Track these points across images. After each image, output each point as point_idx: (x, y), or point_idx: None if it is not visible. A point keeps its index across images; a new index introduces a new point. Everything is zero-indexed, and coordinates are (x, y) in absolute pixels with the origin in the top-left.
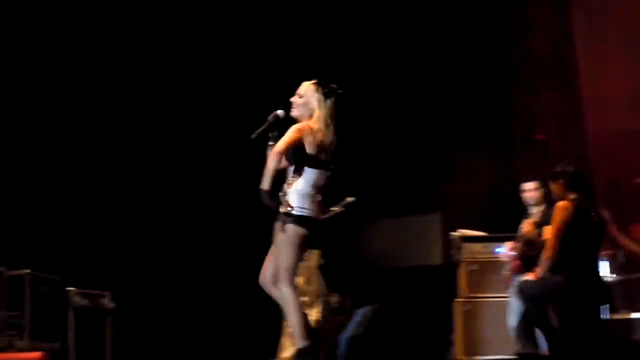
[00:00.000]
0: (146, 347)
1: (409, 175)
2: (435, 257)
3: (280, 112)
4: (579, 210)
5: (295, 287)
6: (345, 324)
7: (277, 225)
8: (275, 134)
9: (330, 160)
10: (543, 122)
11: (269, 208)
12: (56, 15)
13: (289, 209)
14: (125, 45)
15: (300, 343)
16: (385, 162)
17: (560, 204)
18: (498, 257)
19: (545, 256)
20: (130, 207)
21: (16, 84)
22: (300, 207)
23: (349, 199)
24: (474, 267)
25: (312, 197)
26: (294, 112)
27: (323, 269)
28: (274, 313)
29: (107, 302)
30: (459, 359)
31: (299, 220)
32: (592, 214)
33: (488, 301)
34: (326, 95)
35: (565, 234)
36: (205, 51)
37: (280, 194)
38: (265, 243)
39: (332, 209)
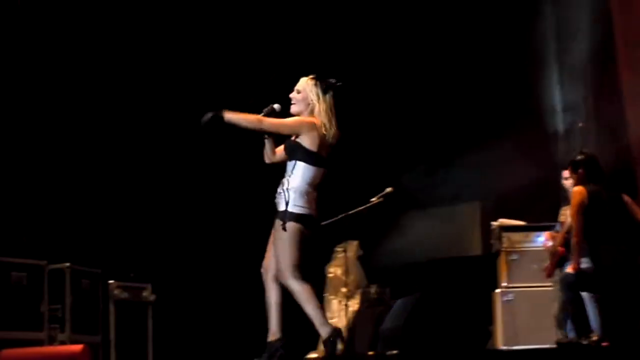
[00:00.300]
0: (187, 339)
1: (448, 165)
2: (475, 248)
3: (276, 105)
4: (594, 196)
5: (303, 280)
6: (385, 315)
7: (276, 222)
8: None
9: (329, 156)
10: (584, 110)
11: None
12: (55, 14)
13: (286, 207)
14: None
15: (324, 332)
16: (424, 152)
17: (576, 188)
18: (538, 247)
19: (573, 242)
20: (171, 199)
21: (51, 79)
22: (299, 205)
23: (388, 190)
24: (514, 256)
25: (309, 195)
26: (294, 109)
27: (362, 259)
28: None
29: (147, 294)
30: (499, 349)
31: (297, 218)
32: (609, 199)
33: (528, 291)
34: (325, 89)
35: (587, 220)
36: (210, 49)
37: (279, 189)
38: None
39: (371, 200)
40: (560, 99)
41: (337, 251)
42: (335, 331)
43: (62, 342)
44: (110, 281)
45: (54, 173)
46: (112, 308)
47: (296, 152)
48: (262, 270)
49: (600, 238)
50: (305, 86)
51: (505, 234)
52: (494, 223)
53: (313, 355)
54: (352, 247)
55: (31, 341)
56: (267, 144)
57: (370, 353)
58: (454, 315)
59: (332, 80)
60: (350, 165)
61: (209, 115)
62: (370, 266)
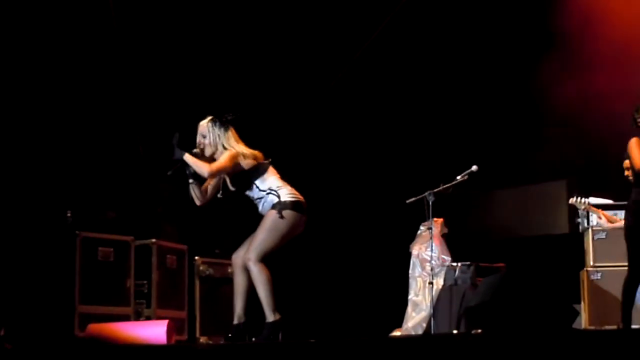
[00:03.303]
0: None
1: (535, 142)
2: (562, 226)
3: (195, 151)
4: None
5: (263, 264)
6: (469, 294)
7: (269, 212)
8: (192, 171)
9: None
10: None
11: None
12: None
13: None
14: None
15: (272, 317)
16: (511, 130)
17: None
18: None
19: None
20: None
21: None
22: (290, 194)
23: (474, 168)
24: (602, 235)
25: (289, 186)
26: (206, 152)
27: (447, 237)
28: (400, 287)
29: (232, 270)
30: (587, 329)
31: (292, 205)
32: None
33: (616, 270)
34: (224, 125)
35: None
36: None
37: (261, 200)
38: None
39: (456, 177)
40: None
41: (422, 229)
42: (281, 321)
43: (148, 317)
44: (196, 257)
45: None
46: (197, 284)
47: (247, 177)
48: (234, 257)
49: None
50: (206, 130)
51: (592, 213)
52: (581, 200)
53: (397, 332)
54: (437, 224)
55: (117, 316)
56: (195, 189)
57: (455, 332)
58: (540, 294)
59: (229, 116)
60: (435, 144)
61: (175, 155)
62: (456, 244)
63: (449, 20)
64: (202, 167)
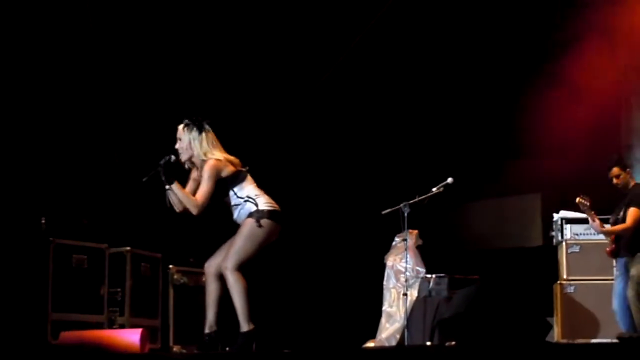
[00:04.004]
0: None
1: (508, 156)
2: (536, 238)
3: (172, 157)
4: None
5: (240, 273)
6: (443, 305)
7: (246, 220)
8: (168, 177)
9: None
10: None
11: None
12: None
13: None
14: None
15: (247, 327)
16: (485, 144)
17: None
18: (600, 239)
19: None
20: None
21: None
22: (267, 203)
23: (449, 180)
24: (575, 248)
25: (265, 195)
26: (183, 157)
27: (421, 249)
28: (374, 298)
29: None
30: (560, 343)
31: (269, 214)
32: None
33: (589, 283)
34: (200, 129)
35: None
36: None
37: (237, 207)
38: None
39: (431, 189)
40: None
41: (397, 240)
42: (255, 330)
43: (121, 325)
44: (170, 266)
45: (117, 156)
46: (171, 292)
47: (224, 184)
48: (206, 265)
49: None
50: (182, 134)
51: (567, 226)
52: (556, 215)
53: (370, 343)
54: (412, 236)
55: (90, 324)
56: (172, 196)
57: (428, 343)
58: (514, 307)
59: (202, 119)
60: (411, 155)
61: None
62: (430, 256)
63: (424, 33)
64: (190, 202)
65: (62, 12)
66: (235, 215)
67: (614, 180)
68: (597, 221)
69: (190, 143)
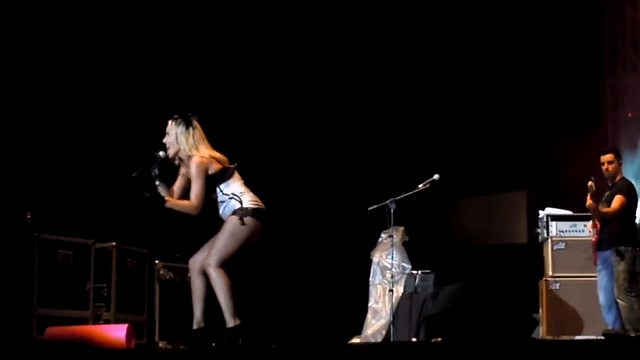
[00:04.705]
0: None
1: (496, 153)
2: (521, 235)
3: (161, 153)
4: None
5: (223, 269)
6: (429, 302)
7: (230, 218)
8: (157, 172)
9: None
10: (632, 101)
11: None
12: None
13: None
14: None
15: (232, 322)
16: (472, 140)
17: None
18: (585, 236)
19: None
20: None
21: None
22: (252, 201)
23: (435, 176)
24: (561, 245)
25: (250, 192)
26: (170, 151)
27: (407, 245)
28: (360, 294)
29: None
30: (546, 338)
31: (253, 212)
32: None
33: (575, 280)
34: (187, 124)
35: None
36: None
37: (223, 204)
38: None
39: (418, 186)
40: (607, 89)
41: (383, 237)
42: (241, 326)
43: (107, 321)
44: (156, 261)
45: (104, 153)
46: (157, 288)
47: (213, 182)
48: (191, 261)
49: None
50: (170, 129)
51: (552, 223)
52: (542, 212)
53: (356, 340)
54: (398, 232)
55: (76, 319)
56: (163, 190)
57: (414, 340)
58: (500, 303)
59: (190, 114)
60: (397, 152)
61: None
62: (416, 252)
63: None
64: (187, 208)
65: (50, 9)
66: (220, 211)
67: (605, 166)
68: (591, 202)
69: (177, 138)
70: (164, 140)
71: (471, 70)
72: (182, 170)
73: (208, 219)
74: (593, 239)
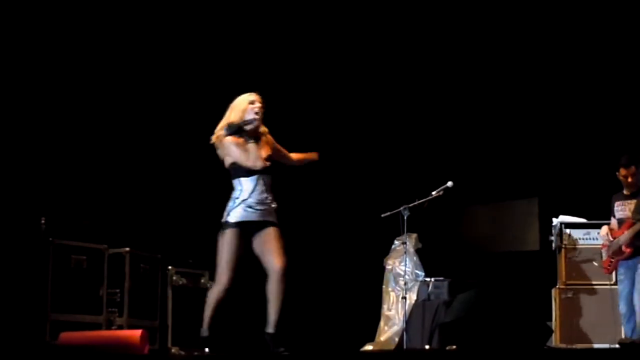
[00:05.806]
0: (244, 327)
1: (508, 160)
2: (533, 243)
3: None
4: None
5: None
6: (442, 309)
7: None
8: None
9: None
10: None
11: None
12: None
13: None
14: None
15: (203, 332)
16: (485, 147)
17: None
18: (598, 244)
19: None
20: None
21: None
22: (233, 210)
23: (449, 184)
24: (575, 253)
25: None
26: (256, 124)
27: (420, 252)
28: (373, 301)
29: (205, 281)
30: (559, 348)
31: (228, 225)
32: None
33: (589, 288)
34: None
35: None
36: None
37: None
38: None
39: (431, 193)
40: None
41: (396, 244)
42: (210, 338)
43: (120, 326)
44: (169, 267)
45: (118, 158)
46: (170, 293)
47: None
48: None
49: None
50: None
51: (565, 230)
52: (555, 219)
53: (369, 347)
54: (411, 239)
55: (89, 324)
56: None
57: (427, 347)
58: (514, 311)
59: None
60: (411, 159)
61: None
62: (429, 259)
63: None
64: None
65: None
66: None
67: (630, 179)
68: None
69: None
70: (258, 111)
71: (485, 77)
72: (249, 144)
73: (219, 225)
74: (606, 265)
